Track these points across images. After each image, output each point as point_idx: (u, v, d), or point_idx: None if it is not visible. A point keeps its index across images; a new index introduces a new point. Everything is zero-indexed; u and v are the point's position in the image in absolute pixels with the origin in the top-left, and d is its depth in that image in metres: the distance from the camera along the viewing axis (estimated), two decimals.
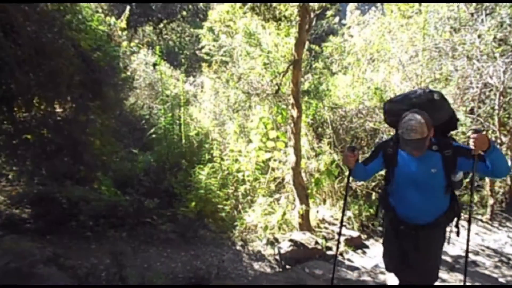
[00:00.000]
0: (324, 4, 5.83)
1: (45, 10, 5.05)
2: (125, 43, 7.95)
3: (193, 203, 5.65)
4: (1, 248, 3.70)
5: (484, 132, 2.43)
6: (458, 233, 2.86)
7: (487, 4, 7.33)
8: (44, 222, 4.69)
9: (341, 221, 3.35)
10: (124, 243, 4.79)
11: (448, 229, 2.91)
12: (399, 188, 2.92)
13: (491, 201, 8.17)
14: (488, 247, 6.46)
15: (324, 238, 5.76)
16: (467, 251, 2.77)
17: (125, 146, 7.36)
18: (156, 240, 5.09)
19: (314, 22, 5.88)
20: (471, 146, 2.48)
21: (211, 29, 8.38)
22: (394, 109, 2.83)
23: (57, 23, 5.17)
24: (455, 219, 2.88)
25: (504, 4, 7.00)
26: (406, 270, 3.03)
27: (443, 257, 5.62)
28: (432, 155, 2.70)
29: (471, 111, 7.84)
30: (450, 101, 7.52)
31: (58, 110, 6.01)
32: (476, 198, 9.07)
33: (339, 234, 3.32)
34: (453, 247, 6.26)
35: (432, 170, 2.70)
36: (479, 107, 7.68)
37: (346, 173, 3.52)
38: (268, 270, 4.88)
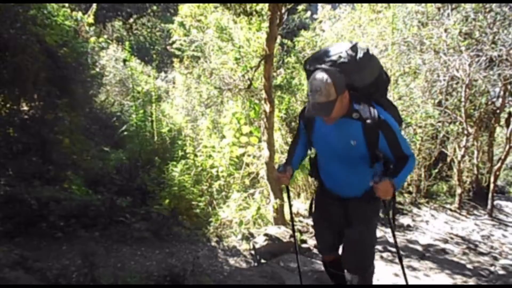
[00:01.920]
0: None
1: (7, 5, 4.88)
2: (93, 39, 7.74)
3: (167, 201, 5.58)
4: None
5: (385, 180, 2.20)
6: (393, 222, 2.60)
7: None
8: (12, 224, 4.52)
9: (292, 222, 3.31)
10: (96, 243, 4.68)
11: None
12: (323, 160, 2.66)
13: (459, 191, 8.46)
14: (456, 235, 6.69)
15: (299, 231, 5.82)
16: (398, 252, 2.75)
17: (96, 144, 7.18)
18: (130, 239, 5.01)
19: (285, 17, 5.89)
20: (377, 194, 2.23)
21: (182, 24, 8.26)
22: (311, 69, 2.39)
23: (20, 18, 5.01)
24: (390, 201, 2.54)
25: None
26: (336, 251, 2.83)
27: (414, 246, 5.83)
28: (352, 124, 2.31)
29: (439, 104, 8.09)
30: (419, 94, 7.76)
31: (25, 108, 5.84)
32: (444, 187, 9.38)
33: (293, 231, 3.16)
34: (424, 236, 6.46)
35: (352, 142, 2.34)
36: (447, 99, 7.93)
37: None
38: (244, 265, 4.89)
